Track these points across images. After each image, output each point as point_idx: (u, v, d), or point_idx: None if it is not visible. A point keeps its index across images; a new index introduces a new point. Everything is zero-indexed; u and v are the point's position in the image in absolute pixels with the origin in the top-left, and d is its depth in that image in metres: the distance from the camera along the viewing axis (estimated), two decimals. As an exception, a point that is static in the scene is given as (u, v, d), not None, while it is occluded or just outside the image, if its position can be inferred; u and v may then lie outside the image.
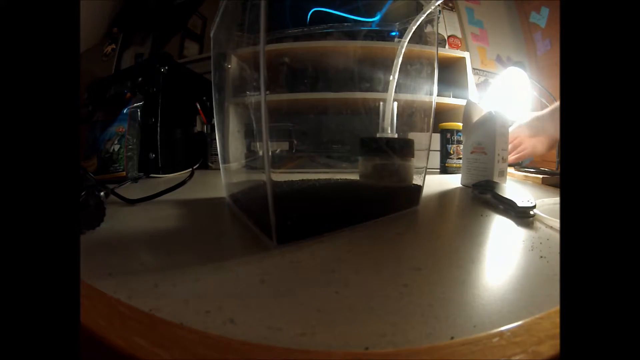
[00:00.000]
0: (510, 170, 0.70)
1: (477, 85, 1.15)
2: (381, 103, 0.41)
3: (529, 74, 0.89)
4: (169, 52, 1.22)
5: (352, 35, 0.78)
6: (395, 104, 0.41)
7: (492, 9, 1.34)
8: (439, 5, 0.40)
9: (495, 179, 0.48)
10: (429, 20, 0.41)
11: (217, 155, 0.63)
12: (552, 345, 0.12)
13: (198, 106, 0.89)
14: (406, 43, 0.40)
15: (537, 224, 0.30)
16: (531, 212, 0.32)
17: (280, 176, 0.42)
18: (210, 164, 0.87)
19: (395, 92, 0.41)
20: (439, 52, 0.41)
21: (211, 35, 0.43)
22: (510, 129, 0.68)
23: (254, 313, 0.14)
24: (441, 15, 1.21)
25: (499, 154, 0.49)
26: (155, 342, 0.12)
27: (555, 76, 1.20)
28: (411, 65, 0.42)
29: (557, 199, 0.39)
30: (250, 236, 0.26)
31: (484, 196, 0.40)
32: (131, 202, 0.39)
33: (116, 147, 0.64)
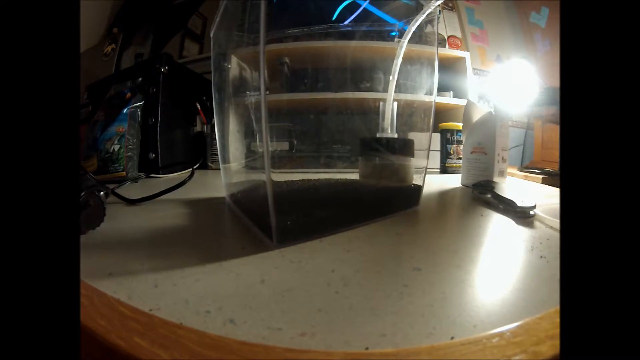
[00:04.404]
0: (511, 170, 0.70)
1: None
2: (381, 103, 0.41)
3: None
4: (169, 52, 1.22)
5: (352, 36, 0.78)
6: (395, 104, 0.41)
7: (492, 9, 1.34)
8: (439, 5, 0.40)
9: (495, 179, 0.48)
10: (429, 20, 0.40)
11: (217, 155, 0.63)
12: (552, 345, 0.12)
13: (198, 106, 0.89)
14: (406, 43, 0.40)
15: (537, 224, 0.30)
16: (531, 212, 0.32)
17: (280, 176, 0.42)
18: (210, 164, 0.87)
19: (395, 92, 0.41)
20: (439, 52, 0.41)
21: (211, 35, 0.43)
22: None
23: (254, 313, 0.14)
24: (441, 15, 1.21)
25: (499, 154, 0.49)
26: (155, 342, 0.12)
27: (555, 76, 1.20)
28: (411, 65, 0.42)
29: (557, 199, 0.39)
30: (250, 236, 0.26)
31: (484, 196, 0.40)
32: (131, 202, 0.39)
33: (116, 147, 0.64)
